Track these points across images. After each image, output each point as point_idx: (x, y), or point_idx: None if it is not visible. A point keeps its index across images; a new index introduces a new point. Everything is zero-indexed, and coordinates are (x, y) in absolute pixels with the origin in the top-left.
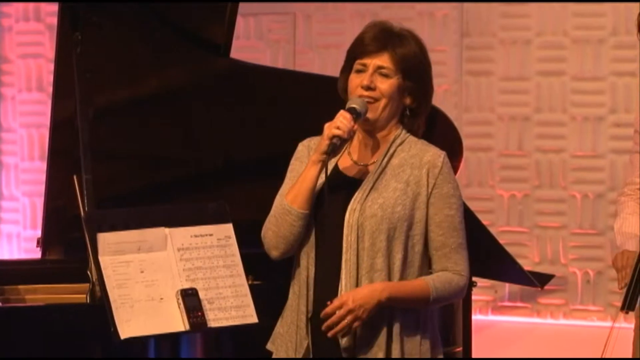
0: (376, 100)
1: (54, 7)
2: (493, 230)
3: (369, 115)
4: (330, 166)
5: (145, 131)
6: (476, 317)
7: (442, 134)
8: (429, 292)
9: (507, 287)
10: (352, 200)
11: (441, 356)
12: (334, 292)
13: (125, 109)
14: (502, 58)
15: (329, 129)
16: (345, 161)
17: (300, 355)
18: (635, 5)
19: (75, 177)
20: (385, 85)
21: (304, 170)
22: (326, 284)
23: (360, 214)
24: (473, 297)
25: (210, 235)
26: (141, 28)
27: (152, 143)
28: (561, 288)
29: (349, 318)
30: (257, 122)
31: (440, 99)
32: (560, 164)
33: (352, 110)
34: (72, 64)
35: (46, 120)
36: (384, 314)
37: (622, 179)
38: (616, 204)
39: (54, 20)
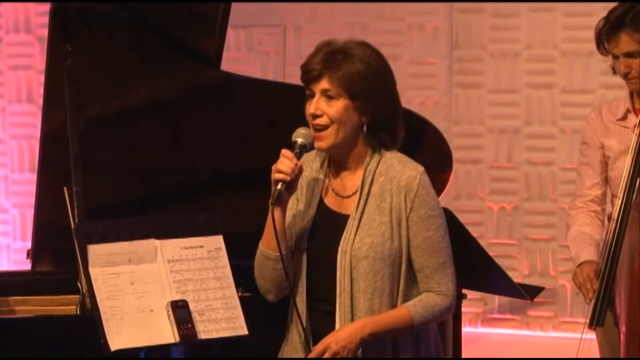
0: (326, 127)
1: (45, 19)
2: (482, 243)
3: (323, 144)
4: (315, 199)
5: (136, 142)
6: (466, 329)
7: (432, 147)
8: (411, 319)
9: (496, 300)
10: (342, 240)
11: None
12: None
13: (116, 120)
14: (492, 70)
15: (273, 173)
16: (328, 194)
17: None
18: None
19: (65, 188)
20: (332, 109)
21: (268, 214)
22: (322, 322)
23: (352, 257)
24: (463, 310)
25: (201, 247)
26: (132, 39)
27: (143, 154)
28: (551, 300)
29: None
30: (247, 133)
31: (430, 112)
32: (549, 176)
33: (294, 145)
34: (63, 76)
35: (36, 131)
36: (387, 345)
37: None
38: (567, 217)
39: (44, 32)
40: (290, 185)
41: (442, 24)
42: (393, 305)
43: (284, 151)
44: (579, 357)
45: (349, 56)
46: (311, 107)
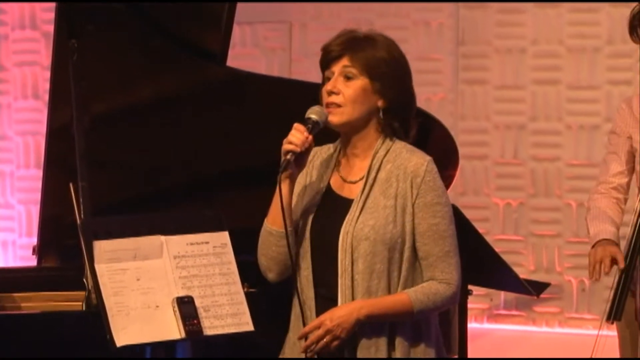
0: (341, 105)
1: (50, 15)
2: (488, 239)
3: (334, 119)
4: (323, 184)
5: (142, 139)
6: (472, 325)
7: (438, 143)
8: (410, 305)
9: (502, 295)
10: (345, 222)
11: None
12: None
13: (122, 116)
14: (498, 66)
15: (283, 144)
16: (335, 179)
17: None
18: None
19: (71, 184)
20: (349, 89)
21: (276, 190)
22: (325, 307)
23: (354, 237)
24: (469, 305)
25: (206, 243)
26: (138, 36)
27: (149, 151)
28: (556, 296)
29: (327, 338)
30: (253, 130)
31: (436, 108)
32: (555, 172)
33: (307, 121)
34: (69, 72)
35: (42, 127)
36: (384, 327)
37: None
38: (588, 201)
39: (50, 28)
40: (300, 159)
41: (447, 21)
42: (390, 290)
43: (296, 124)
44: (596, 353)
45: (373, 42)
46: (329, 85)
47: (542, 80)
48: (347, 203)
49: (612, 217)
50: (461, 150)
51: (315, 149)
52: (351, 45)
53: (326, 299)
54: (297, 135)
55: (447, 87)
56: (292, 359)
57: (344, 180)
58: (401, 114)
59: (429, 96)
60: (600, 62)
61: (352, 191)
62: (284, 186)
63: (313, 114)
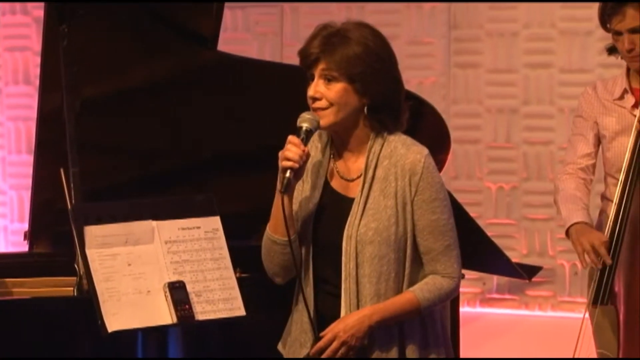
0: (325, 108)
1: None
2: (481, 223)
3: (322, 122)
4: (321, 181)
5: (133, 124)
6: (464, 309)
7: (430, 127)
8: (418, 304)
9: (495, 280)
10: (347, 225)
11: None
12: (336, 316)
13: (113, 101)
14: (490, 50)
15: (280, 160)
16: (334, 177)
17: None
18: None
19: (61, 170)
20: (331, 92)
21: (275, 200)
22: (327, 301)
23: (358, 241)
24: (461, 290)
25: (198, 227)
26: (128, 21)
27: (140, 136)
28: (549, 280)
29: (343, 350)
30: (245, 114)
31: (428, 91)
32: (548, 156)
33: (300, 131)
34: (59, 57)
35: (33, 113)
36: (394, 333)
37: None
38: (555, 181)
39: (40, 13)
40: (298, 172)
41: (440, 3)
42: (399, 290)
43: (291, 137)
44: (581, 336)
45: (346, 39)
46: (310, 90)
47: (535, 63)
48: (347, 202)
49: (581, 198)
50: (453, 134)
51: None
52: (326, 47)
53: (328, 294)
54: (294, 150)
55: (439, 70)
56: (299, 359)
57: (342, 178)
58: (388, 106)
59: (421, 80)
60: (592, 45)
61: (351, 189)
62: (286, 200)
63: (305, 122)
